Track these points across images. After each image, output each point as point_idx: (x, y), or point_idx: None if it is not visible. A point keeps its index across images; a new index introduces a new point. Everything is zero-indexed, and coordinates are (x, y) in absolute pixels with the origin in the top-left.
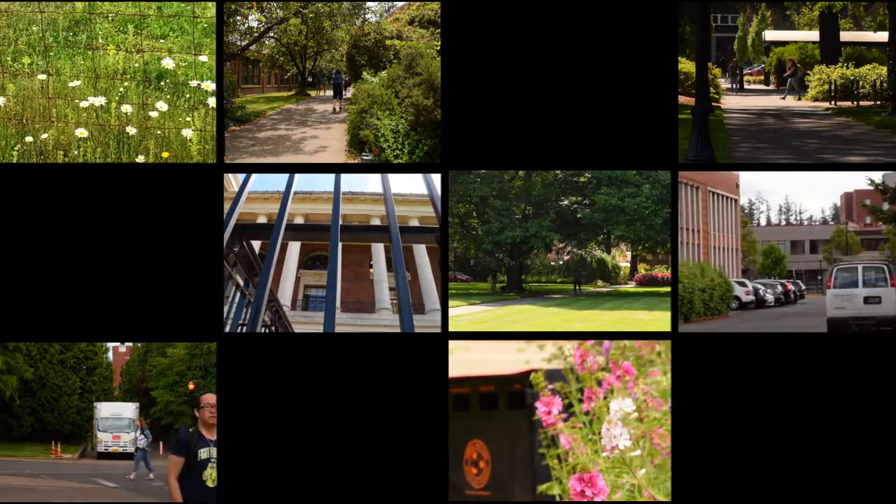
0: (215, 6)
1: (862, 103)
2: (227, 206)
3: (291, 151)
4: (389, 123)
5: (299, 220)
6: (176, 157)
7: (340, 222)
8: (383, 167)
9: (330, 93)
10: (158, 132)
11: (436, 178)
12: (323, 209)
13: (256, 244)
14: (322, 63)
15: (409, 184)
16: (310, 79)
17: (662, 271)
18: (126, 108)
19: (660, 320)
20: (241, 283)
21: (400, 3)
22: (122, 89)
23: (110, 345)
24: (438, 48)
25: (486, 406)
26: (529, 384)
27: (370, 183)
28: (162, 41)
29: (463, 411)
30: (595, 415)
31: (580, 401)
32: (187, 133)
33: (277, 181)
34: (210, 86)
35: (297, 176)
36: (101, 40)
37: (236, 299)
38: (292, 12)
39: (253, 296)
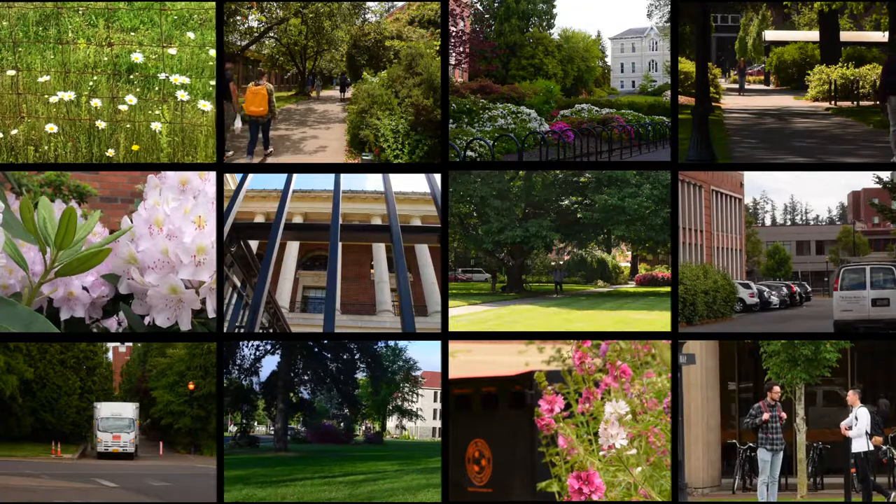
0: (215, 6)
1: (862, 103)
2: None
3: (291, 151)
4: (389, 123)
5: (298, 220)
6: (146, 151)
7: (340, 221)
8: (383, 167)
9: (326, 92)
10: (128, 125)
11: (436, 178)
12: (322, 208)
13: (254, 244)
14: (322, 63)
15: (411, 182)
16: (311, 78)
17: (663, 271)
18: (96, 102)
19: (660, 320)
20: (239, 284)
21: (400, 3)
22: (91, 83)
23: (110, 345)
24: (438, 48)
25: (487, 406)
26: (530, 385)
27: (370, 182)
28: (132, 34)
29: (465, 411)
30: (592, 415)
31: (577, 402)
32: (156, 126)
33: (276, 179)
34: (178, 79)
35: (296, 174)
36: (70, 34)
37: (233, 301)
38: (292, 12)
39: (250, 297)
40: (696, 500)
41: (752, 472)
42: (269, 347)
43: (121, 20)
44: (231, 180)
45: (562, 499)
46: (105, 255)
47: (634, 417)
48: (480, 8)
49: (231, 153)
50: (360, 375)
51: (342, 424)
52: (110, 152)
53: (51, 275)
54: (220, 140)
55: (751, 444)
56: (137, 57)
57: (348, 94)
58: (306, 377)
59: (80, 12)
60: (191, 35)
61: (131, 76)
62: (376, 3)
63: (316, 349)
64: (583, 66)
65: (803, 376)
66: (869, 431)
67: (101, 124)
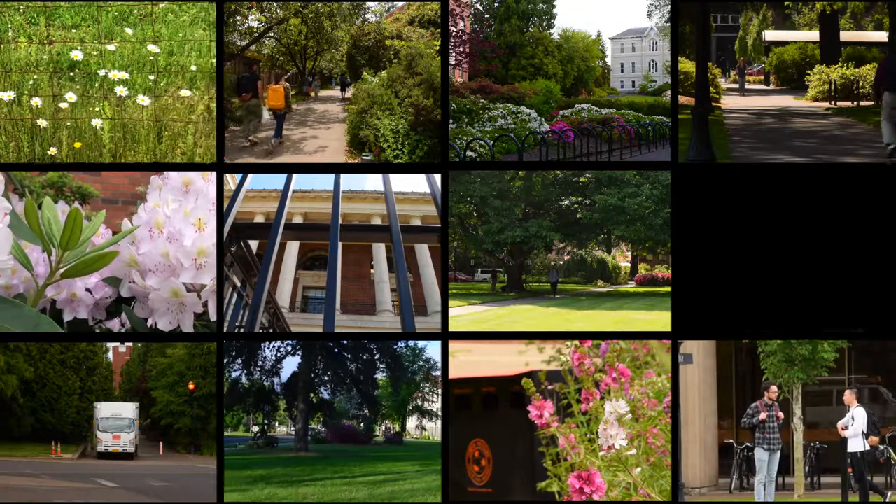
0: (215, 6)
1: (862, 103)
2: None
3: (291, 151)
4: (389, 123)
5: (298, 220)
6: (89, 148)
7: (340, 221)
8: (383, 167)
9: (326, 92)
10: (69, 123)
11: (436, 178)
12: (322, 208)
13: (254, 244)
14: (322, 63)
15: (411, 182)
16: (310, 78)
17: (663, 271)
18: (36, 101)
19: (660, 320)
20: (239, 284)
21: (400, 3)
22: (31, 82)
23: (110, 345)
24: (438, 48)
25: (487, 406)
26: None
27: (370, 181)
28: (73, 31)
29: (465, 411)
30: (592, 415)
31: (578, 402)
32: (97, 122)
33: (276, 179)
34: (117, 74)
35: (296, 174)
36: (10, 33)
37: (233, 301)
38: (292, 12)
39: (250, 297)
40: (694, 500)
41: (750, 471)
42: (289, 348)
43: (62, 17)
44: (231, 180)
45: (562, 499)
46: (112, 257)
47: (634, 417)
48: (480, 8)
49: (261, 136)
50: (381, 376)
51: (362, 425)
52: (52, 150)
53: (56, 276)
54: (219, 140)
55: (748, 444)
56: (77, 55)
57: (348, 93)
58: (326, 378)
59: (21, 11)
60: (129, 31)
61: (72, 73)
62: (376, 3)
63: (336, 350)
64: (583, 66)
65: (800, 376)
66: (865, 431)
67: (42, 123)
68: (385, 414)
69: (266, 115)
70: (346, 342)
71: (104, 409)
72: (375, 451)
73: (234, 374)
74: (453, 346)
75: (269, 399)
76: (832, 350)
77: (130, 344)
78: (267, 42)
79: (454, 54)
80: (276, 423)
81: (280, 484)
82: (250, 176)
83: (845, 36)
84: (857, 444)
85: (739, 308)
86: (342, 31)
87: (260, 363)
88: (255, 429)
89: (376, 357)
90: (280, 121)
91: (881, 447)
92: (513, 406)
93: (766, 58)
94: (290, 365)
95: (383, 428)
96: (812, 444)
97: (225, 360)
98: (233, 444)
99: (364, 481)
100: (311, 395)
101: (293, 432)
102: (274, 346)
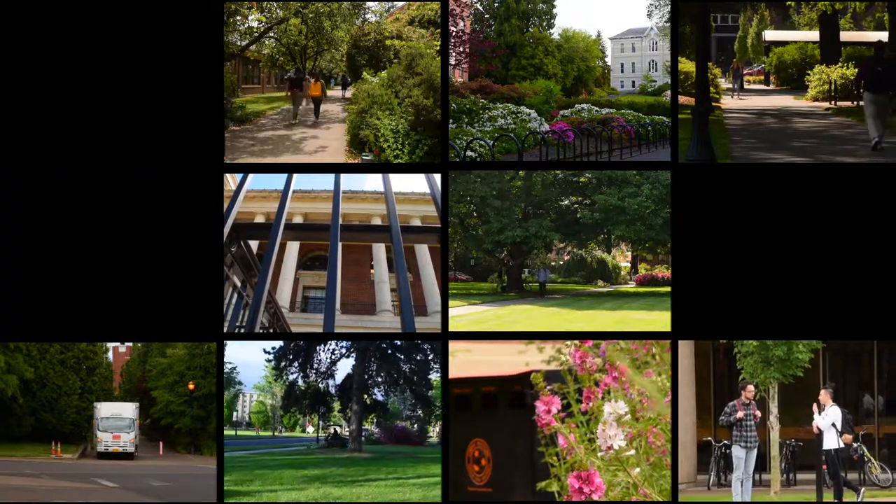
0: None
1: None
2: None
3: (291, 151)
4: (389, 123)
5: (298, 220)
6: None
7: (340, 221)
8: (383, 167)
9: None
10: None
11: (436, 178)
12: (322, 208)
13: (254, 244)
14: (322, 63)
15: (411, 182)
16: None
17: (663, 271)
18: None
19: (660, 320)
20: (239, 284)
21: (400, 3)
22: None
23: (110, 345)
24: (438, 48)
25: (487, 406)
26: (530, 384)
27: (370, 181)
28: None
29: (465, 411)
30: (592, 415)
31: (578, 401)
32: None
33: (276, 179)
34: None
35: (296, 174)
36: None
37: (233, 301)
38: (292, 12)
39: (250, 297)
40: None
41: (727, 468)
42: (343, 350)
43: None
44: (231, 180)
45: (562, 498)
46: None
47: (634, 417)
48: (480, 8)
49: (298, 120)
50: (434, 376)
51: (416, 426)
52: None
53: None
54: (219, 140)
55: (726, 442)
56: None
57: (348, 93)
58: (380, 379)
59: None
60: None
61: None
62: (376, 3)
63: (389, 350)
64: (583, 66)
65: (776, 376)
66: (839, 429)
67: None
68: (439, 415)
69: (304, 103)
70: (399, 342)
71: (104, 409)
72: (429, 452)
73: (290, 377)
74: (453, 345)
75: (325, 401)
76: (807, 350)
77: (130, 344)
78: (267, 42)
79: (454, 54)
80: (332, 425)
81: (335, 484)
82: (250, 176)
83: (845, 36)
84: (831, 442)
85: (740, 308)
86: (342, 31)
87: (315, 366)
88: (311, 429)
89: (430, 357)
90: (318, 105)
91: (855, 445)
92: (513, 406)
93: (765, 58)
94: (345, 367)
95: (437, 429)
96: (788, 442)
97: (282, 364)
98: (305, 444)
99: (417, 483)
100: (365, 396)
101: (347, 433)
102: (328, 349)
